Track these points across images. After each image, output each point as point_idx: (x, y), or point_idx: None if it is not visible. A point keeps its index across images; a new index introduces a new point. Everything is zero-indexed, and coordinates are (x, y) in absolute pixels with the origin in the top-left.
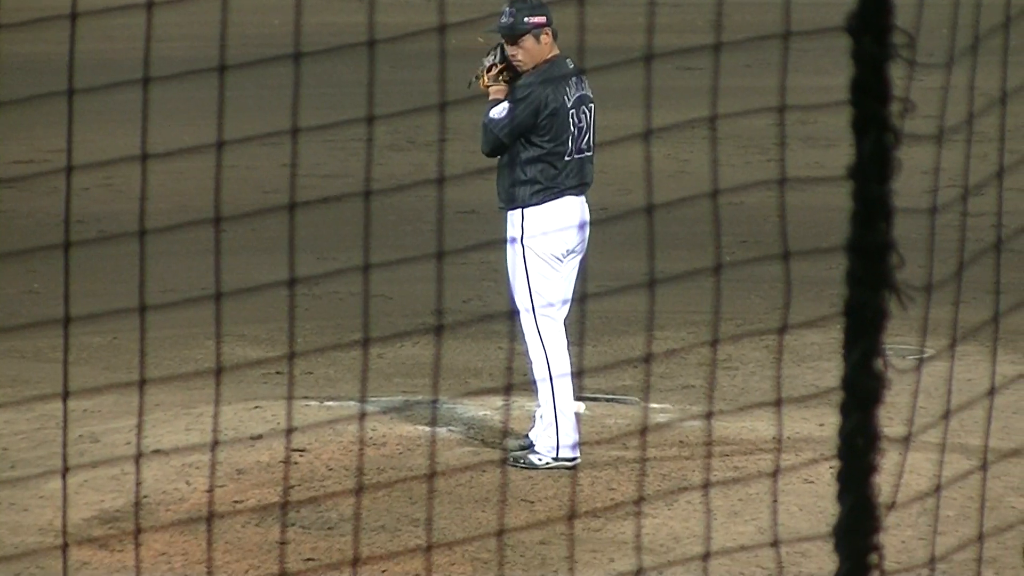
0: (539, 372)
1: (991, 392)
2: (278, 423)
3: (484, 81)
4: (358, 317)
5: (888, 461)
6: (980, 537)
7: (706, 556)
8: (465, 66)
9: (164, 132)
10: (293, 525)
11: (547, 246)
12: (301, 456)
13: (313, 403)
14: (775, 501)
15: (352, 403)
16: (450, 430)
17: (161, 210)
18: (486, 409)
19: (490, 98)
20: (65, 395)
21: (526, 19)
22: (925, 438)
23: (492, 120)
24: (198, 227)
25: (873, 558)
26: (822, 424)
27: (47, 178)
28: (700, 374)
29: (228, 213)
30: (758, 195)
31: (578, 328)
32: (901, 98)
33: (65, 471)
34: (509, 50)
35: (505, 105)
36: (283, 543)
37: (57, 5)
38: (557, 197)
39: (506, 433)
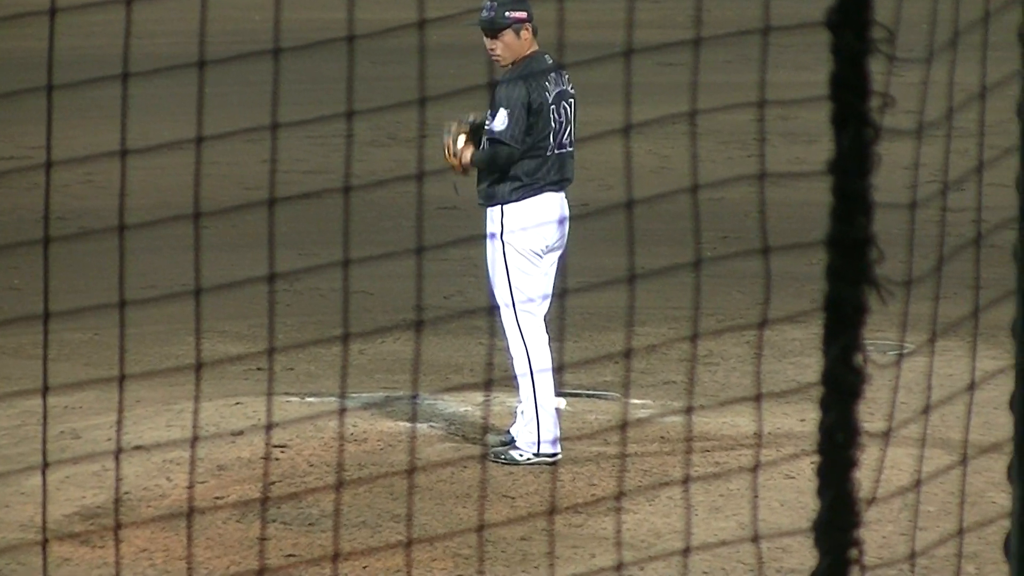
0: (519, 367)
1: (971, 387)
2: (259, 419)
3: (456, 161)
4: (339, 313)
5: (869, 456)
6: (961, 532)
7: (686, 551)
8: (447, 62)
9: (145, 128)
10: (274, 521)
11: (527, 242)
12: (282, 452)
13: (294, 399)
14: (756, 496)
15: (333, 399)
16: (431, 426)
17: (142, 206)
18: (467, 405)
19: (470, 162)
20: (45, 391)
21: (507, 14)
22: (906, 433)
23: (500, 132)
24: (179, 223)
25: (853, 553)
26: (803, 419)
27: (28, 174)
28: (681, 370)
29: (209, 209)
30: (738, 191)
31: (559, 324)
32: (881, 93)
33: (45, 467)
34: (488, 44)
35: (502, 112)
36: (264, 539)
37: (36, 1)
38: (537, 193)
39: (487, 429)
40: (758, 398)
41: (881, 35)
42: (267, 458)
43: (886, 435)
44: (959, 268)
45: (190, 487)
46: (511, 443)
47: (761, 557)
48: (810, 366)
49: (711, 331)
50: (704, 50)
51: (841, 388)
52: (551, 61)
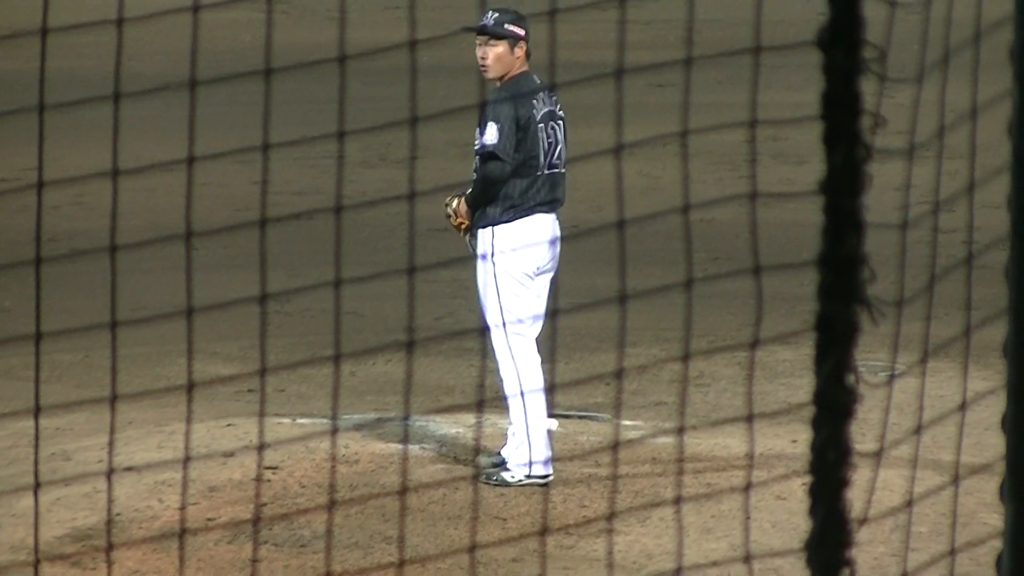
0: (510, 389)
1: (963, 408)
2: (250, 440)
3: (459, 219)
4: (330, 334)
5: (860, 477)
6: (952, 552)
7: (678, 572)
8: (437, 82)
9: (136, 149)
10: (266, 542)
11: (518, 264)
12: (273, 473)
13: (285, 420)
14: (747, 517)
15: (324, 420)
16: (422, 447)
17: (133, 227)
18: (458, 426)
19: (467, 203)
20: (36, 412)
21: (507, 25)
22: (897, 454)
23: (493, 146)
24: (170, 244)
25: (845, 573)
26: (794, 440)
27: (18, 195)
28: (672, 391)
29: (200, 230)
30: (729, 212)
31: (550, 345)
32: (872, 113)
33: (37, 489)
34: (480, 52)
35: (492, 126)
36: (255, 560)
37: (27, 22)
38: (528, 214)
39: (478, 450)
40: (749, 419)
41: (872, 55)
42: (259, 479)
43: (878, 455)
44: (950, 289)
45: (182, 508)
46: (502, 465)
47: None
48: (801, 387)
49: (702, 352)
50: (695, 71)
51: (832, 408)
52: (539, 82)
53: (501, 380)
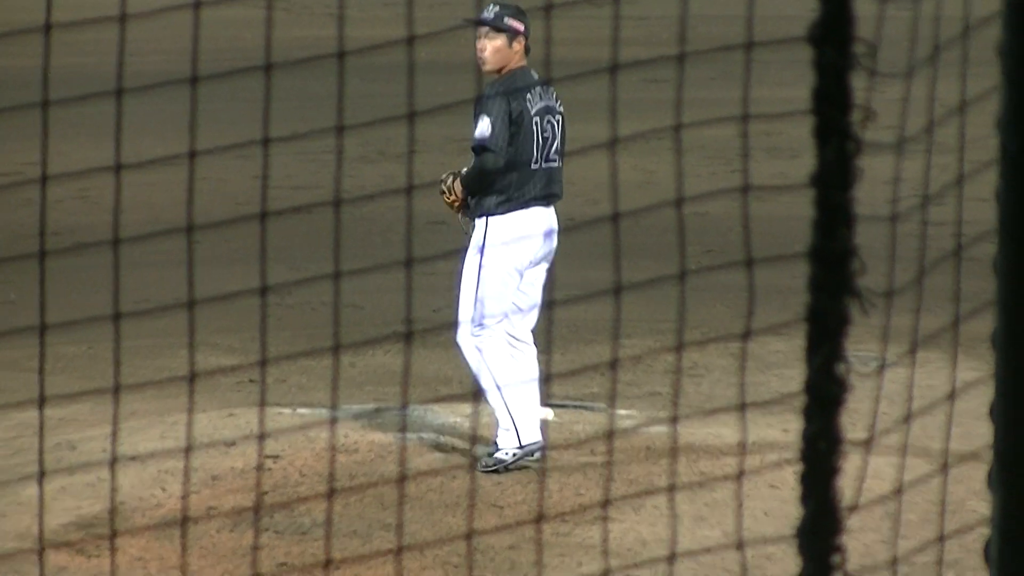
0: (484, 382)
1: (951, 398)
2: (251, 430)
3: (452, 197)
4: (330, 326)
5: (851, 465)
6: (941, 539)
7: (672, 559)
8: (435, 79)
9: (138, 145)
10: (267, 530)
11: (509, 257)
12: (274, 463)
13: (286, 410)
14: (740, 505)
15: (324, 410)
16: (420, 437)
17: (135, 221)
18: (456, 416)
19: (460, 185)
20: (41, 403)
21: (506, 19)
22: (887, 443)
23: (486, 139)
24: (172, 238)
25: (836, 559)
26: (786, 430)
27: (22, 190)
28: (666, 381)
29: (201, 224)
30: (723, 205)
31: (546, 336)
32: (862, 107)
33: (42, 478)
34: (479, 44)
35: (485, 120)
36: (257, 548)
37: (30, 19)
38: (523, 207)
39: (475, 440)
40: (742, 408)
41: (863, 50)
42: (259, 468)
43: (868, 444)
44: (939, 281)
45: (184, 497)
46: (496, 450)
47: (745, 565)
48: (793, 378)
49: (696, 343)
50: (688, 67)
51: (823, 398)
52: (536, 76)
53: (474, 374)
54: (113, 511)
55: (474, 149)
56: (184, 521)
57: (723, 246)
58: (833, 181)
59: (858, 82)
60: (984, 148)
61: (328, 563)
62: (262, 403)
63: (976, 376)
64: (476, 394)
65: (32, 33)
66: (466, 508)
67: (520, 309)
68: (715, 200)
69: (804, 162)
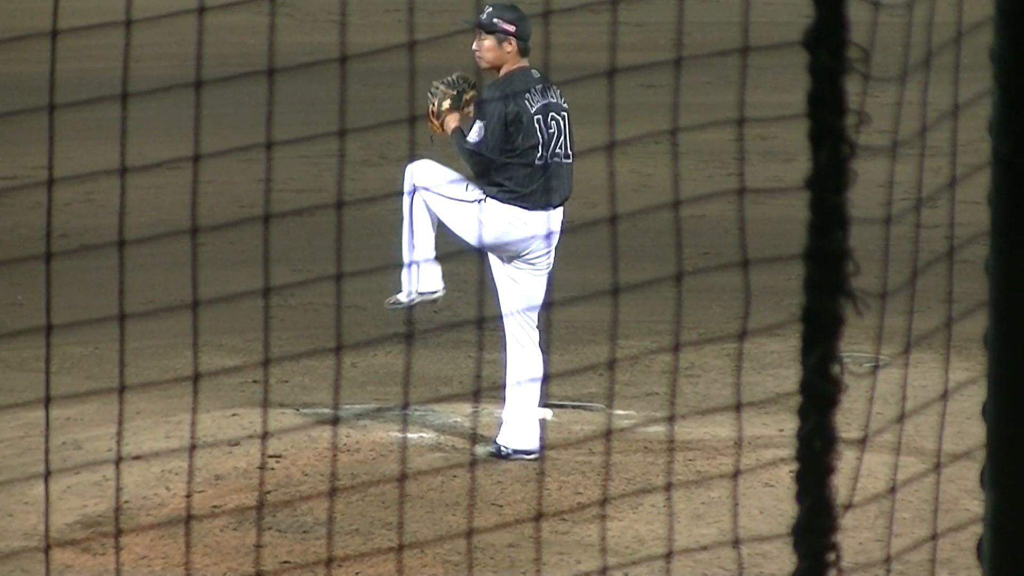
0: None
1: (944, 398)
2: (255, 430)
3: (437, 125)
4: (332, 327)
5: (845, 464)
6: (935, 538)
7: (669, 557)
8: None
9: (143, 149)
10: (269, 529)
11: (501, 247)
12: (277, 462)
13: (289, 410)
14: (736, 504)
15: (326, 410)
16: (421, 436)
17: (141, 223)
18: (456, 416)
19: (449, 132)
20: (48, 403)
21: (496, 20)
22: (881, 442)
23: (474, 144)
24: (176, 240)
25: (831, 557)
26: (781, 429)
27: (29, 193)
28: (663, 381)
29: (205, 227)
30: (719, 208)
31: (545, 337)
32: (856, 111)
33: (48, 477)
34: (475, 44)
35: (477, 126)
36: (260, 546)
37: (37, 25)
38: (522, 204)
39: (475, 439)
40: (738, 408)
41: (857, 55)
42: (263, 468)
43: (862, 443)
44: (932, 282)
45: (188, 496)
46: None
47: (741, 562)
48: (788, 378)
49: (692, 343)
50: (685, 72)
51: (818, 397)
52: (537, 75)
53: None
54: (118, 510)
55: (467, 151)
56: (188, 520)
57: (719, 248)
58: (827, 184)
59: (852, 86)
60: (976, 152)
61: (330, 561)
62: (265, 403)
63: (969, 376)
64: (477, 394)
65: (39, 38)
66: (466, 507)
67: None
68: (711, 203)
69: (799, 165)
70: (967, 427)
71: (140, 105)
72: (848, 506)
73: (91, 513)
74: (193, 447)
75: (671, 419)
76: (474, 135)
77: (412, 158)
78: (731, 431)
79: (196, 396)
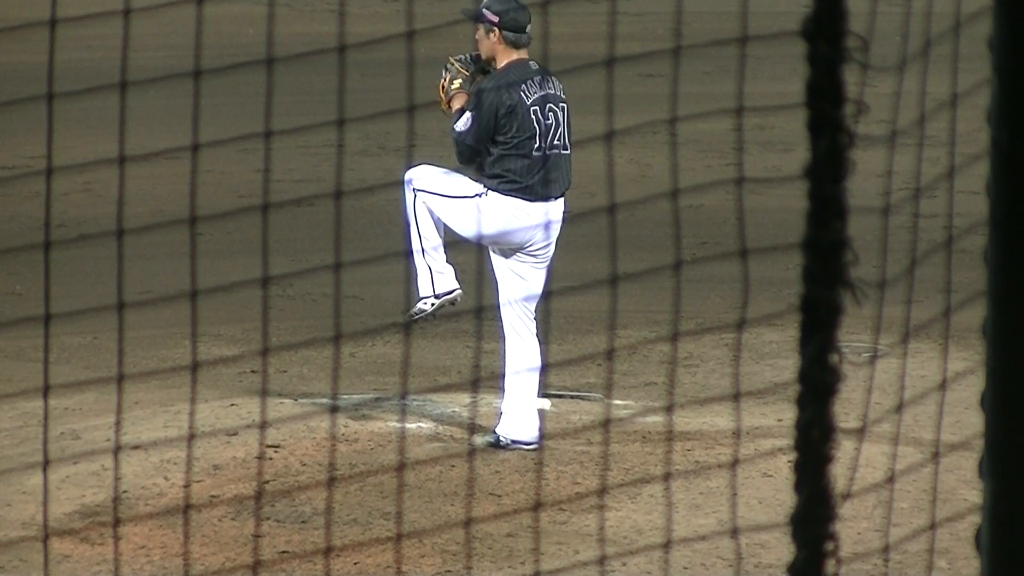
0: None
1: (942, 387)
2: (253, 420)
3: (445, 103)
4: (330, 317)
5: (843, 454)
6: (933, 527)
7: (667, 547)
8: (435, 75)
9: (142, 139)
10: (268, 519)
11: (499, 238)
12: (275, 452)
13: (287, 400)
14: (734, 494)
15: (325, 400)
16: (419, 426)
17: (139, 213)
18: (454, 406)
19: (454, 110)
20: (46, 393)
21: (484, 11)
22: (879, 432)
23: (459, 132)
24: (175, 230)
25: (829, 546)
26: (780, 419)
27: (28, 183)
28: (661, 371)
29: (204, 217)
30: (717, 198)
31: (543, 327)
32: (855, 101)
33: (46, 467)
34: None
35: (467, 115)
36: (258, 536)
37: (35, 15)
38: (519, 195)
39: (474, 429)
40: (736, 398)
41: (855, 44)
42: (261, 458)
43: (860, 433)
44: (930, 272)
45: (187, 486)
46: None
47: (740, 552)
48: (787, 367)
49: (691, 333)
50: (683, 62)
51: (817, 386)
52: (535, 67)
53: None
54: (116, 500)
55: (455, 140)
56: (186, 509)
57: (718, 238)
58: (826, 173)
59: (851, 76)
60: (974, 142)
61: (328, 551)
62: (263, 393)
63: (967, 366)
64: (475, 384)
65: (38, 28)
66: (464, 497)
67: (520, 299)
68: (710, 192)
69: (797, 155)
70: (965, 417)
71: (139, 95)
72: (846, 496)
73: (89, 503)
74: (191, 437)
75: (669, 409)
76: (461, 124)
77: (409, 165)
78: (729, 421)
79: (195, 386)
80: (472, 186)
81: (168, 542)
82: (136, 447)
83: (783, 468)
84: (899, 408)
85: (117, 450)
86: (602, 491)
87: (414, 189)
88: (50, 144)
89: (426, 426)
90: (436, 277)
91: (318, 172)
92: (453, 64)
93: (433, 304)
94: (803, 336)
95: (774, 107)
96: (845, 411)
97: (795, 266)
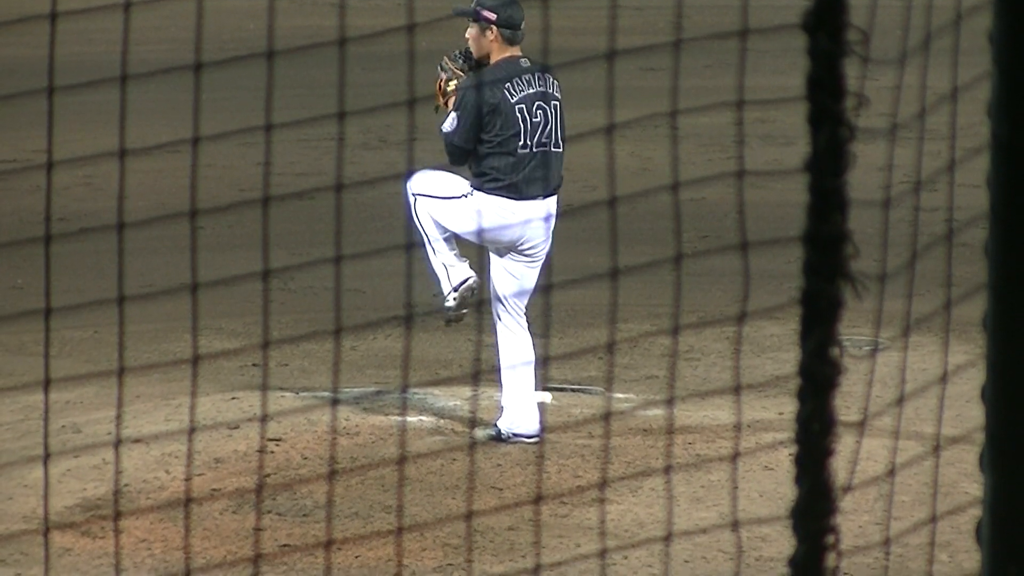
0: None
1: (943, 381)
2: (254, 413)
3: (442, 101)
4: (331, 311)
5: (844, 447)
6: (934, 520)
7: (668, 540)
8: (435, 68)
9: (143, 133)
10: (269, 512)
11: (493, 237)
12: (277, 445)
13: (288, 394)
14: (735, 487)
15: (326, 394)
16: (420, 419)
17: (140, 207)
18: (455, 399)
19: (450, 109)
20: (47, 386)
21: (479, 9)
22: (880, 425)
23: (446, 133)
24: (176, 224)
25: (830, 539)
26: (781, 412)
27: (29, 176)
28: (662, 364)
29: (205, 210)
30: (718, 191)
31: (544, 320)
32: (855, 94)
33: (47, 460)
34: (467, 32)
35: (452, 115)
36: (259, 529)
37: (36, 9)
38: (508, 194)
39: (475, 422)
40: (737, 391)
41: (856, 38)
42: (262, 451)
43: (861, 426)
44: (931, 266)
45: (188, 479)
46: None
47: (741, 545)
48: (788, 361)
49: (692, 327)
50: (684, 55)
51: (817, 380)
52: (527, 64)
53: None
54: (117, 493)
55: (444, 141)
56: (187, 503)
57: (718, 231)
58: (826, 167)
59: (851, 69)
60: (975, 135)
61: (329, 544)
62: (264, 386)
63: (967, 359)
64: (476, 377)
65: (38, 21)
66: (466, 490)
67: (513, 295)
68: (710, 186)
69: (798, 149)
70: (966, 410)
71: (139, 88)
72: (847, 489)
73: (90, 496)
74: (192, 430)
75: (670, 402)
76: (447, 125)
77: (410, 165)
78: (730, 414)
79: (195, 379)
80: (462, 185)
81: (169, 535)
82: (137, 440)
83: (784, 461)
84: (900, 401)
85: (118, 443)
86: (603, 484)
87: (413, 194)
88: (51, 138)
89: (427, 419)
90: (450, 271)
91: (319, 165)
92: (448, 64)
93: (454, 298)
94: (804, 329)
95: (775, 100)
96: (846, 404)
97: (796, 259)
